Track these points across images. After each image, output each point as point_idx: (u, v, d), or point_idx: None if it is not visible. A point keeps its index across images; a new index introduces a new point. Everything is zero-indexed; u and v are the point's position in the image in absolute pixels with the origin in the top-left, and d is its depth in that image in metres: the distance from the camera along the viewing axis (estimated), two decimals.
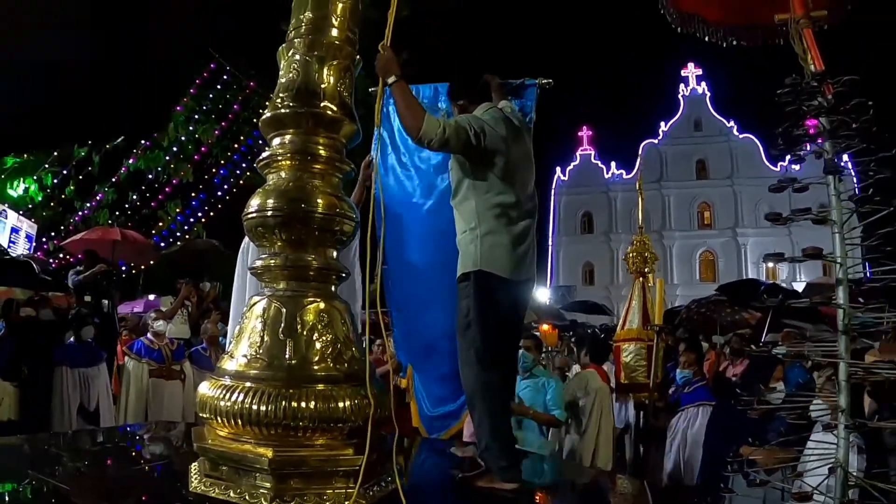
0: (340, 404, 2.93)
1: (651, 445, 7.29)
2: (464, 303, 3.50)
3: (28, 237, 17.54)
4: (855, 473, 2.97)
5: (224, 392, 2.97)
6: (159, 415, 7.80)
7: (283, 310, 3.11)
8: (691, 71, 54.06)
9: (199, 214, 21.44)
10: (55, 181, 19.08)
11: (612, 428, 6.73)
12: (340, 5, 3.50)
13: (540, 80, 4.39)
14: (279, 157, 3.31)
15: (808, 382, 4.95)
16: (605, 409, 6.42)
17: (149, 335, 8.47)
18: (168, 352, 8.35)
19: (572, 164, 55.21)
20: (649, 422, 7.14)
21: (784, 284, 25.91)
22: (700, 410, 6.72)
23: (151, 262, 17.31)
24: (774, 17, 3.60)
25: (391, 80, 3.55)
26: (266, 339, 3.08)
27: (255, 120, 20.02)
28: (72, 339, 8.05)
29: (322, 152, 3.33)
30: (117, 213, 20.21)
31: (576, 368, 7.53)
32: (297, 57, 3.40)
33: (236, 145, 21.59)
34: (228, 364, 3.14)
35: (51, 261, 16.52)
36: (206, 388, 3.10)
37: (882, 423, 3.00)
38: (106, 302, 9.39)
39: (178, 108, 19.91)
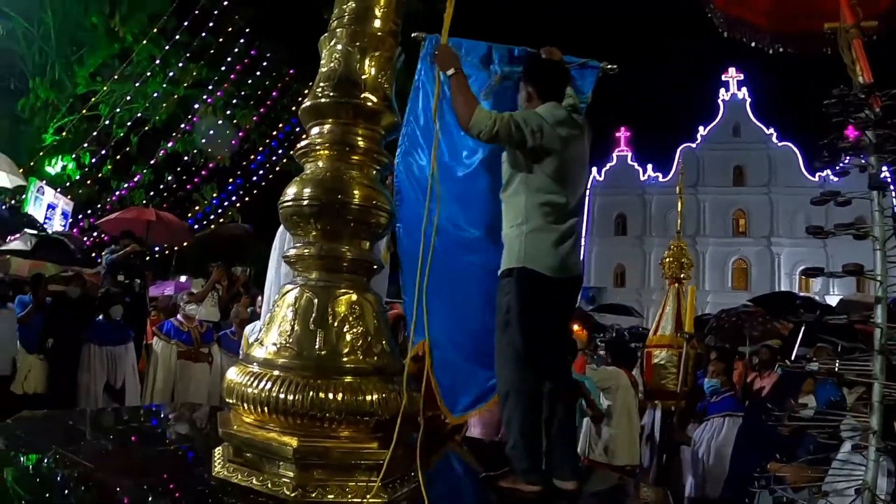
0: (368, 398, 2.93)
1: (674, 453, 7.22)
2: (504, 299, 3.45)
3: (64, 214, 17.77)
4: (883, 497, 2.92)
5: (252, 379, 2.98)
6: (185, 396, 7.88)
7: (315, 300, 3.11)
8: (732, 76, 53.35)
9: (234, 199, 21.61)
10: (93, 160, 19.29)
11: (637, 428, 6.67)
12: None
13: (605, 65, 4.19)
14: (317, 147, 3.31)
15: (840, 401, 4.87)
16: (632, 407, 6.36)
17: (179, 316, 8.55)
18: (197, 334, 8.43)
19: (608, 164, 54.78)
20: (674, 429, 7.07)
21: (817, 298, 25.58)
22: (726, 421, 6.64)
23: (185, 244, 17.50)
24: (824, 25, 3.53)
25: (450, 72, 3.56)
26: (296, 328, 3.08)
27: (293, 108, 20.18)
28: (101, 316, 8.15)
29: (361, 143, 3.32)
30: (153, 193, 20.43)
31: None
32: (339, 47, 3.40)
33: (274, 132, 21.71)
34: (257, 351, 3.15)
35: (85, 239, 16.73)
36: (233, 374, 3.11)
37: None
38: (138, 281, 9.48)
39: (219, 93, 20.03)
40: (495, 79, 4.04)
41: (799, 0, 4.07)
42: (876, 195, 3.01)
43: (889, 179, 3.13)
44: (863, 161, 3.11)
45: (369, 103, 3.33)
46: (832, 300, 23.74)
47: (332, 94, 3.31)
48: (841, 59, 3.40)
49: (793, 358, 6.27)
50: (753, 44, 4.29)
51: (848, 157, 3.20)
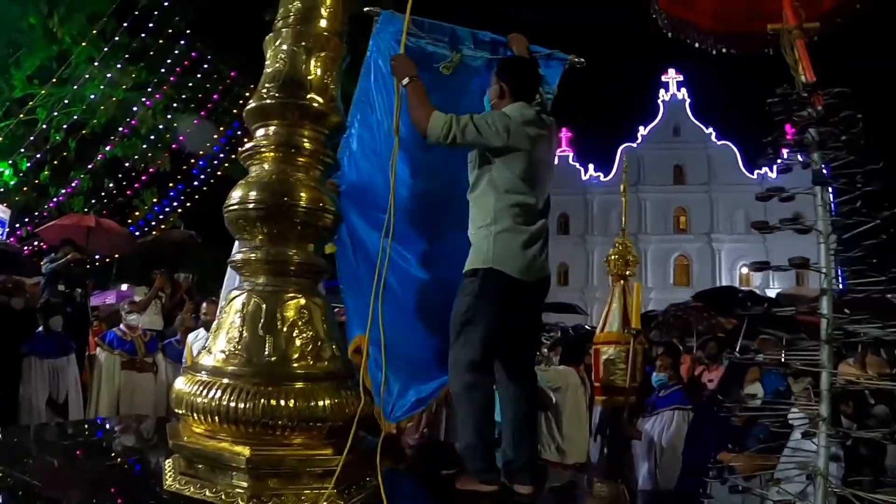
0: (320, 403, 2.89)
1: (625, 448, 7.29)
2: (466, 299, 3.39)
3: (0, 222, 17.24)
4: (833, 482, 2.97)
5: (201, 388, 2.91)
6: (130, 408, 7.70)
7: (263, 305, 3.06)
8: (671, 76, 54.41)
9: (176, 204, 21.21)
10: (30, 165, 18.73)
11: (586, 426, 6.73)
12: None
13: (572, 58, 4.18)
14: (263, 149, 3.25)
15: (786, 390, 4.97)
16: (581, 406, 6.41)
17: (122, 326, 8.34)
18: (141, 343, 8.25)
19: None
20: (623, 425, 7.13)
21: (758, 291, 26.23)
22: (676, 414, 6.72)
23: (126, 251, 17.11)
24: (767, 26, 3.59)
25: (405, 81, 3.54)
26: (245, 334, 3.02)
27: (234, 111, 19.88)
28: (41, 328, 7.88)
29: (306, 145, 3.27)
30: (93, 200, 19.92)
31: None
32: (285, 47, 3.35)
33: (215, 136, 21.34)
34: (206, 359, 3.08)
35: (24, 247, 16.25)
36: (182, 384, 3.04)
37: (863, 433, 2.99)
38: (79, 291, 9.23)
39: (158, 95, 19.63)
40: (455, 57, 3.97)
41: (743, 1, 4.14)
42: (819, 191, 3.06)
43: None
44: (802, 159, 3.16)
45: (315, 104, 3.28)
46: (772, 293, 24.37)
47: (277, 95, 3.26)
48: (778, 59, 3.47)
49: (737, 350, 6.36)
50: (697, 45, 4.35)
51: (790, 155, 3.26)
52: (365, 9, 3.92)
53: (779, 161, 3.32)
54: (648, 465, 6.81)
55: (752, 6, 4.05)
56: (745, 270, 48.03)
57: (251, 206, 3.10)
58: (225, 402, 2.82)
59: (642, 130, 54.16)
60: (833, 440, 2.91)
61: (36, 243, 16.64)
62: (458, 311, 3.43)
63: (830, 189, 3.17)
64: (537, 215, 3.51)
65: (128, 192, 20.67)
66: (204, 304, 8.38)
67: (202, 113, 20.83)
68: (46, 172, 19.11)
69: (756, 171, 46.08)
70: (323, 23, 3.41)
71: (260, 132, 3.31)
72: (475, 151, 3.53)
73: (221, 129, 21.14)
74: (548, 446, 6.16)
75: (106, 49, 17.92)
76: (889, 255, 2.97)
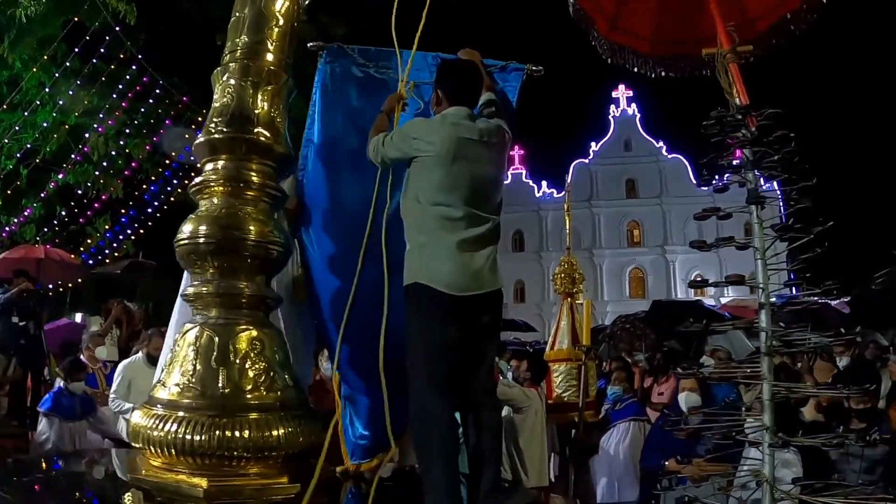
0: (274, 433, 2.92)
1: (581, 464, 7.36)
2: (407, 323, 3.22)
3: None
4: (784, 487, 3.07)
5: (157, 422, 2.93)
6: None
7: (216, 338, 3.09)
8: (622, 93, 55.16)
9: (129, 231, 20.88)
10: None
11: (545, 449, 6.74)
12: (277, 30, 3.51)
13: (529, 67, 4.06)
14: (212, 183, 3.30)
15: (736, 399, 5.10)
16: (542, 428, 6.42)
17: (83, 357, 8.15)
18: (102, 376, 8.11)
19: (504, 182, 55.50)
20: (580, 440, 7.19)
21: (713, 300, 26.70)
22: (632, 425, 6.84)
23: (79, 280, 16.82)
24: (702, 51, 3.71)
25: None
26: (198, 367, 3.05)
27: (187, 136, 19.69)
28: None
29: (255, 179, 3.32)
30: (45, 229, 19.54)
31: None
32: (232, 82, 3.40)
33: (168, 161, 21.09)
34: (161, 393, 3.10)
35: None
36: (138, 418, 3.05)
37: (805, 440, 3.10)
38: (32, 322, 9.07)
39: (110, 121, 19.37)
40: (410, 86, 3.91)
41: (679, 26, 4.23)
42: (755, 209, 3.18)
43: (773, 191, 3.32)
44: (743, 176, 3.27)
45: (262, 138, 3.34)
46: (726, 300, 24.91)
47: (225, 129, 3.31)
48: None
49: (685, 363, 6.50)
50: (637, 69, 4.46)
51: (728, 174, 3.38)
52: (309, 45, 3.95)
53: (714, 181, 3.44)
54: (608, 478, 6.90)
55: (687, 31, 4.16)
56: (691, 287, 48.43)
57: (201, 240, 3.14)
58: (181, 435, 2.84)
59: (594, 146, 54.77)
60: (776, 448, 3.01)
61: None
62: (405, 338, 3.23)
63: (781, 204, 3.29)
64: (469, 225, 3.26)
65: (80, 220, 20.32)
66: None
67: (154, 139, 20.57)
68: None
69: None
70: (269, 56, 3.47)
71: (209, 166, 3.35)
72: (405, 164, 3.41)
73: (174, 154, 20.90)
74: (505, 467, 6.13)
75: (57, 74, 17.67)
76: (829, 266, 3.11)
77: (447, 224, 3.23)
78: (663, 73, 4.43)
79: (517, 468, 6.09)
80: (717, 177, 3.47)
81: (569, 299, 8.05)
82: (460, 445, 3.28)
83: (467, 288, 3.20)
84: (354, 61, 3.98)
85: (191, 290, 3.25)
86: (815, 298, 3.18)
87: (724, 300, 27.88)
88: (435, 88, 3.54)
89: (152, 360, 6.08)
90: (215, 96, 3.45)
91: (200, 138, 3.37)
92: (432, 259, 3.19)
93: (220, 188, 3.28)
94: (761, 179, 3.27)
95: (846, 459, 4.47)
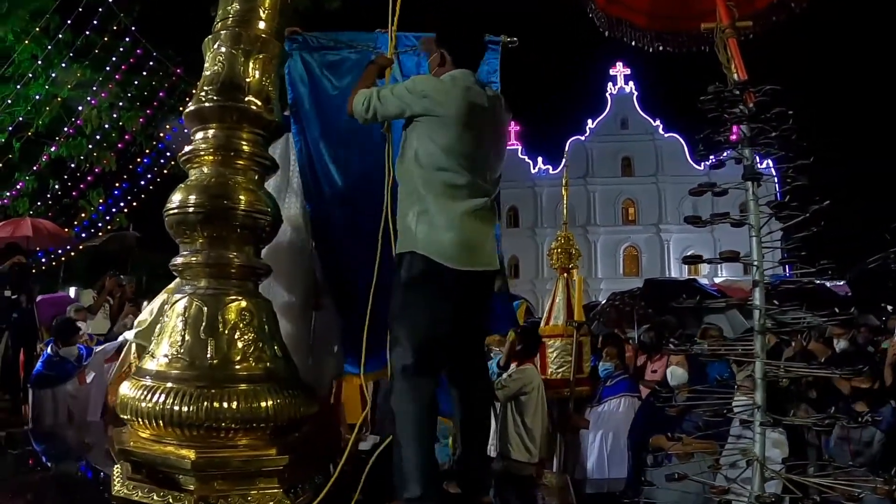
0: (263, 404, 2.91)
1: (573, 439, 7.38)
2: (395, 292, 3.11)
3: None
4: (775, 466, 3.07)
5: (145, 393, 2.92)
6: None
7: (205, 308, 3.06)
8: (619, 70, 54.91)
9: (122, 204, 20.79)
10: None
11: (545, 421, 6.76)
12: None
13: (504, 39, 3.98)
14: (202, 152, 3.26)
15: (729, 377, 5.10)
16: (541, 402, 6.42)
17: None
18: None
19: None
20: (571, 415, 7.21)
21: (706, 279, 26.78)
22: (623, 401, 6.85)
23: (71, 253, 16.77)
24: (701, 25, 3.67)
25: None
26: (187, 338, 3.03)
27: (181, 108, 19.54)
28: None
29: (245, 147, 3.29)
30: (38, 202, 19.45)
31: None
32: (223, 49, 3.35)
33: (161, 134, 20.96)
34: (149, 364, 3.08)
35: None
36: (126, 389, 3.03)
37: (796, 420, 3.10)
38: (24, 296, 9.03)
39: (104, 94, 19.21)
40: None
41: (678, 1, 4.20)
42: (751, 185, 3.15)
43: (768, 170, 3.29)
44: (739, 152, 3.24)
45: (253, 107, 3.30)
46: (720, 280, 24.98)
47: (215, 98, 3.27)
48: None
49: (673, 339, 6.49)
50: (634, 43, 4.41)
51: (726, 150, 3.35)
52: (287, 30, 3.83)
53: (711, 158, 3.41)
54: (598, 453, 6.92)
55: (687, 5, 4.12)
56: (685, 263, 48.58)
57: (191, 209, 3.10)
58: (169, 406, 2.82)
59: (590, 124, 54.61)
60: (767, 427, 3.00)
61: None
62: (390, 307, 3.13)
63: (777, 182, 3.26)
64: (475, 196, 3.15)
65: (73, 193, 20.22)
66: (145, 303, 8.16)
67: (148, 111, 20.44)
68: None
69: (703, 163, 46.82)
70: (261, 24, 3.42)
71: (199, 135, 3.32)
72: (405, 121, 3.29)
73: (168, 126, 20.77)
74: (517, 447, 6.13)
75: (49, 47, 17.50)
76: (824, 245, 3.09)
77: (450, 191, 3.11)
78: (661, 48, 4.39)
79: (527, 445, 6.09)
80: (713, 153, 3.44)
81: (564, 275, 8.04)
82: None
83: (468, 262, 3.09)
84: (314, 46, 3.98)
85: (179, 260, 3.22)
86: (811, 278, 3.17)
87: (717, 280, 27.96)
88: (437, 48, 3.42)
89: None
90: (206, 64, 3.41)
91: (190, 107, 3.33)
92: (433, 228, 3.07)
93: (210, 157, 3.24)
94: (758, 160, 3.25)
95: (841, 443, 4.48)
